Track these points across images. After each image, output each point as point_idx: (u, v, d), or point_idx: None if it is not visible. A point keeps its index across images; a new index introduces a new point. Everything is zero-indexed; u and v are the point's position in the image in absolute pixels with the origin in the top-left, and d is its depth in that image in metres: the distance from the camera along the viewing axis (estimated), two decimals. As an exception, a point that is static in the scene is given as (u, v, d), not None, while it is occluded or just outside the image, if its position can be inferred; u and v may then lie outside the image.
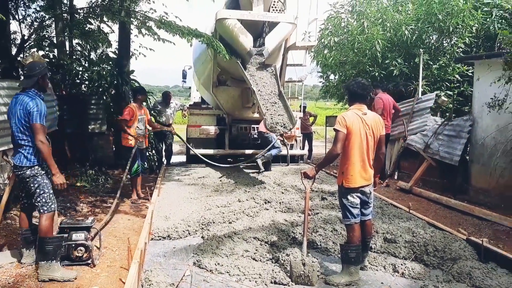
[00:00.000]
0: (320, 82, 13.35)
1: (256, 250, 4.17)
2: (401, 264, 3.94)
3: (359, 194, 3.73)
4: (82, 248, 3.98)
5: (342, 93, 11.43)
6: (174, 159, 10.62)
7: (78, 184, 7.27)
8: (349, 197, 3.71)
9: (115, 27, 9.85)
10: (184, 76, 14.98)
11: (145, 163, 6.94)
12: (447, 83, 9.75)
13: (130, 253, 3.79)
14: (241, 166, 9.01)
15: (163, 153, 9.80)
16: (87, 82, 9.38)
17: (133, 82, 9.76)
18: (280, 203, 5.89)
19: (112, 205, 5.84)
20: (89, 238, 4.13)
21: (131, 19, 7.27)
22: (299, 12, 8.20)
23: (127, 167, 6.35)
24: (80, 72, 9.27)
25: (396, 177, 8.85)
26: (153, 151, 9.45)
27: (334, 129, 3.70)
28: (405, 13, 10.02)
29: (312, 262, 3.64)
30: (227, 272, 3.75)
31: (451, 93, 9.48)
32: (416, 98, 8.86)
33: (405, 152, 8.73)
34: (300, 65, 9.66)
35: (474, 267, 3.74)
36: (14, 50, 7.71)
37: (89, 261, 4.01)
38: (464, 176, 7.38)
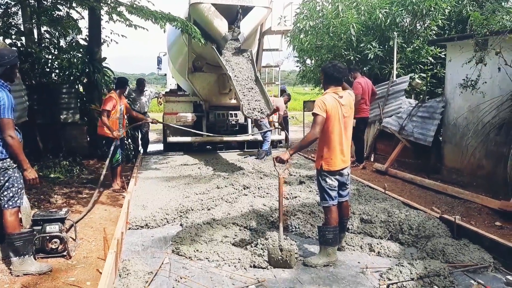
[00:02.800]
0: (297, 67, 13.35)
1: (235, 235, 4.18)
2: (377, 244, 4.02)
3: (337, 177, 3.76)
4: (56, 240, 3.90)
5: (319, 77, 11.44)
6: (151, 147, 10.48)
7: (52, 175, 7.08)
8: (327, 179, 3.73)
9: (85, 13, 9.55)
10: (159, 62, 14.72)
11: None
12: (420, 65, 9.89)
13: (106, 243, 3.73)
14: (219, 153, 8.97)
15: (139, 142, 9.66)
16: (57, 71, 9.10)
17: (106, 69, 9.52)
18: (258, 188, 5.88)
19: (92, 196, 5.72)
20: (64, 229, 4.04)
21: (101, 4, 7.04)
22: (274, -4, 8.12)
23: (108, 158, 6.18)
24: (50, 60, 8.98)
25: (372, 159, 8.99)
26: (129, 140, 9.29)
27: (313, 113, 3.64)
28: (379, -4, 10.05)
29: (290, 246, 3.67)
30: (206, 258, 3.75)
31: (424, 75, 9.62)
32: (390, 81, 8.97)
33: (381, 134, 8.87)
34: (276, 49, 9.61)
35: (447, 243, 3.84)
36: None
37: (65, 253, 3.93)
38: (438, 156, 7.55)
